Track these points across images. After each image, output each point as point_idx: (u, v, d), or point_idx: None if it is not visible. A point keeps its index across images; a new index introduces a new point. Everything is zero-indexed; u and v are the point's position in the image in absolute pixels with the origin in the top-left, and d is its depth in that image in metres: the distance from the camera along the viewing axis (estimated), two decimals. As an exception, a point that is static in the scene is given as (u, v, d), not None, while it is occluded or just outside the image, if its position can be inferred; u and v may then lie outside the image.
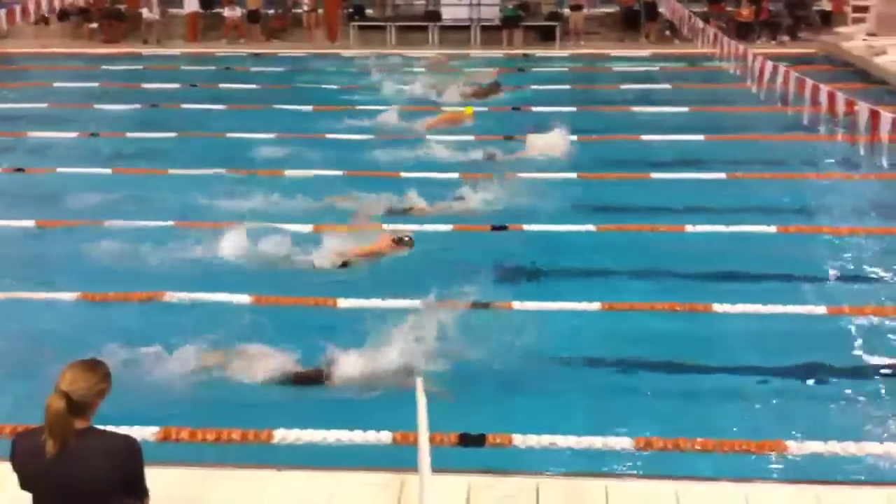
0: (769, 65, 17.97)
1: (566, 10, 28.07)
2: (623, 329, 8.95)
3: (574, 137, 15.76)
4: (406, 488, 6.16)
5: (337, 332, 8.44)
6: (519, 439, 6.99)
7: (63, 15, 28.43)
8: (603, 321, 9.16)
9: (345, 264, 10.60)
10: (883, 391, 8.00)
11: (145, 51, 27.15)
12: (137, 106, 19.66)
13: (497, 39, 27.36)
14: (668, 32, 27.82)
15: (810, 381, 8.16)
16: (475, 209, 12.49)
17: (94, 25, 28.88)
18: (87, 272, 10.52)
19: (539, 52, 26.08)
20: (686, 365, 8.40)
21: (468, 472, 6.38)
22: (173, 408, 7.58)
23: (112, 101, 20.06)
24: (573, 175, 14.02)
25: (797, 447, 6.90)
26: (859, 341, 8.87)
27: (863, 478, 6.62)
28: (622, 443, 6.95)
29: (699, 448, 6.92)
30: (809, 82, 15.75)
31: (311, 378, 8.03)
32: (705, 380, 8.19)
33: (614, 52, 26.10)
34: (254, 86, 21.97)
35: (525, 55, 25.50)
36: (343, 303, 9.58)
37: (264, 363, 8.17)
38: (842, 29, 25.59)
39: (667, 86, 21.28)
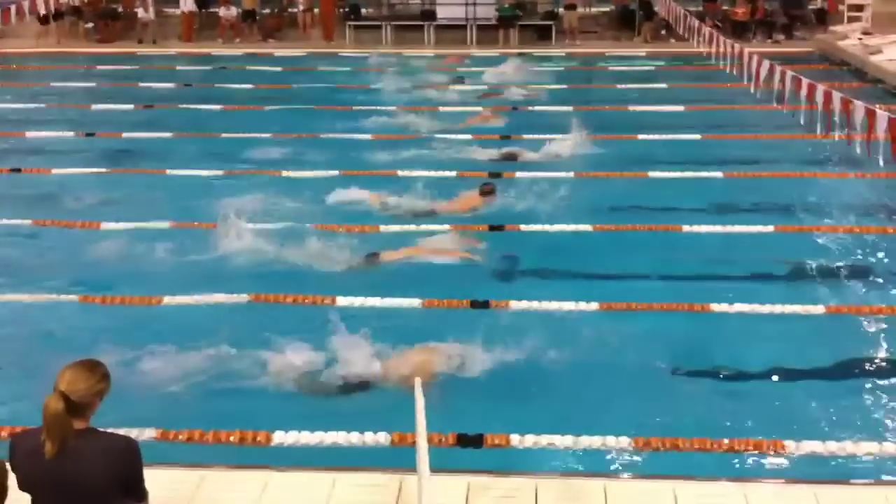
0: (765, 63, 17.97)
1: (562, 10, 28.08)
2: (621, 329, 8.93)
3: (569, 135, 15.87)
4: (404, 488, 6.16)
5: (336, 331, 8.43)
6: (517, 439, 6.99)
7: (58, 15, 28.37)
8: (601, 321, 9.15)
9: (372, 261, 10.59)
10: (880, 390, 8.01)
11: (141, 50, 27.13)
12: (133, 106, 19.64)
13: (493, 38, 27.36)
14: (663, 31, 27.84)
15: (808, 380, 8.16)
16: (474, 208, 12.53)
17: (90, 25, 28.85)
18: (84, 272, 10.52)
19: (535, 51, 26.07)
20: (683, 364, 8.40)
21: (467, 473, 6.38)
22: (172, 409, 7.58)
23: (108, 101, 20.04)
24: (570, 174, 14.02)
25: (795, 446, 6.90)
26: (857, 340, 8.88)
27: (861, 477, 6.62)
28: (620, 443, 6.95)
29: (697, 447, 6.92)
30: (805, 81, 15.74)
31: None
32: (703, 379, 8.20)
33: (610, 51, 26.12)
34: (249, 85, 21.96)
35: (521, 54, 25.49)
36: (342, 301, 9.57)
37: (264, 364, 8.16)
38: (837, 28, 25.61)
39: (663, 85, 21.29)
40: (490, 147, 15.70)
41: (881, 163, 13.43)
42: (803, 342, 8.78)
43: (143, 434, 6.79)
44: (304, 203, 12.69)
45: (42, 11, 27.53)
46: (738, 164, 14.51)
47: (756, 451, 6.91)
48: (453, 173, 14.06)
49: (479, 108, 18.72)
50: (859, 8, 26.77)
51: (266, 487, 6.28)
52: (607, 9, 29.28)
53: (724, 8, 28.07)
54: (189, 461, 6.64)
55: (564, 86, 21.17)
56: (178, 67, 24.63)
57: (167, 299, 9.70)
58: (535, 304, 9.49)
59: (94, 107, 19.68)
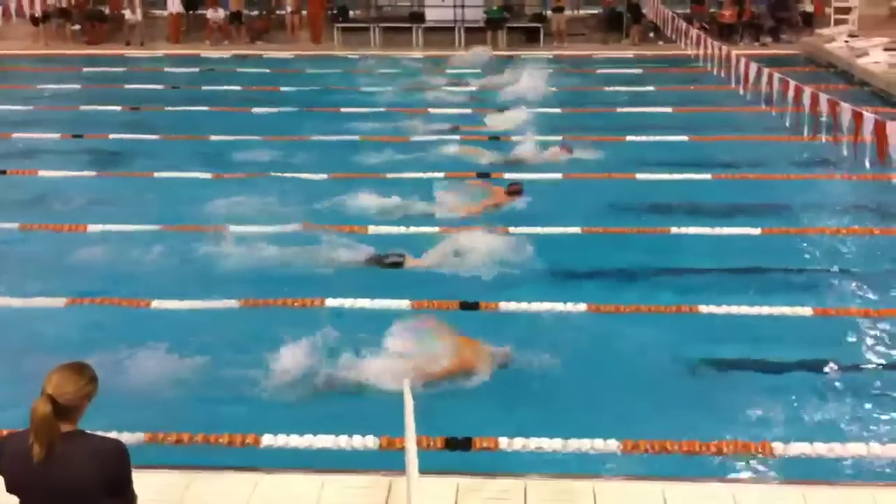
0: (753, 66, 18.04)
1: (550, 12, 28.13)
2: (609, 331, 8.95)
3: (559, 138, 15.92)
4: (393, 490, 6.16)
5: (327, 333, 8.43)
6: (505, 442, 6.98)
7: (45, 17, 28.30)
8: (589, 323, 9.16)
9: (397, 264, 10.59)
10: (869, 391, 8.04)
11: (128, 52, 27.07)
12: (120, 108, 19.59)
13: (481, 41, 27.38)
14: (651, 34, 27.92)
15: (796, 382, 8.18)
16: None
17: (77, 27, 28.76)
18: (72, 275, 10.48)
19: (523, 53, 26.10)
20: (672, 366, 8.42)
21: (456, 474, 6.38)
22: (161, 411, 7.55)
23: (95, 103, 19.98)
24: (558, 176, 14.04)
25: (783, 448, 6.92)
26: (845, 342, 8.91)
27: (849, 477, 6.65)
28: (609, 445, 6.95)
29: (686, 450, 6.92)
30: (792, 83, 15.81)
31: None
32: (693, 381, 8.22)
33: (598, 54, 26.17)
34: (237, 87, 21.93)
35: (510, 56, 25.53)
36: (331, 302, 9.57)
37: (253, 367, 8.14)
38: (824, 30, 25.71)
39: (651, 87, 21.35)
40: (479, 148, 15.68)
41: (868, 164, 13.50)
42: (791, 344, 8.80)
43: (132, 437, 6.77)
44: (293, 205, 12.67)
45: (37, 13, 27.49)
46: (725, 167, 14.56)
47: (744, 453, 6.92)
48: (440, 174, 14.07)
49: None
50: (846, 11, 26.89)
51: (255, 490, 6.27)
52: (595, 11, 29.32)
53: (712, 10, 28.16)
54: (178, 464, 6.62)
55: (553, 88, 21.19)
56: (166, 69, 24.59)
57: (156, 303, 9.67)
58: (524, 306, 9.50)
59: (82, 108, 19.63)
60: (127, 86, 22.05)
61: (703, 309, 9.37)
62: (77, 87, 22.07)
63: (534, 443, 6.96)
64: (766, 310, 9.34)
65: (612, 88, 21.27)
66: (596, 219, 12.19)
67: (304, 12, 28.84)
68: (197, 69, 24.48)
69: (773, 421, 7.46)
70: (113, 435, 4.72)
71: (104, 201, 13.26)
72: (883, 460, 6.88)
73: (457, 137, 16.59)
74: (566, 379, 8.09)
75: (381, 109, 19.01)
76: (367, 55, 25.94)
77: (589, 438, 6.97)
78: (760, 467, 6.84)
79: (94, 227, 11.93)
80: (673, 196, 13.18)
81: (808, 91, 15.11)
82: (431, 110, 18.95)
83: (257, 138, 16.56)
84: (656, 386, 8.09)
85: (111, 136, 17.11)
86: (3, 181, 14.47)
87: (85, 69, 24.25)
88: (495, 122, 17.85)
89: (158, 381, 7.96)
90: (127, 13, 28.42)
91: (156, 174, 14.50)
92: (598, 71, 23.77)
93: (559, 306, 9.45)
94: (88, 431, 4.42)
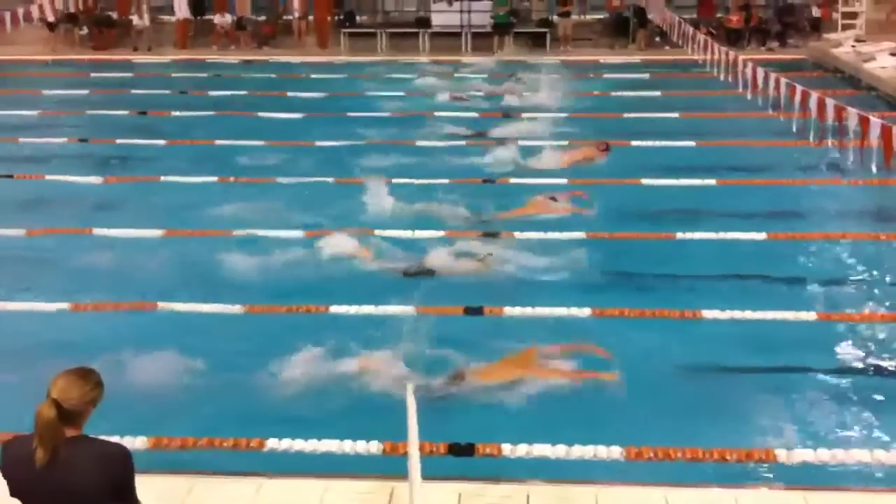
0: (760, 71, 18.04)
1: (556, 17, 28.14)
2: (612, 336, 8.94)
3: (565, 142, 15.93)
4: (396, 496, 6.17)
5: (328, 339, 8.44)
6: (508, 448, 6.96)
7: (56, 23, 28.40)
8: (593, 327, 9.16)
9: (429, 272, 10.60)
10: (871, 397, 8.02)
11: (135, 58, 27.16)
12: (127, 112, 19.64)
13: (488, 46, 27.41)
14: (657, 38, 27.90)
15: (800, 388, 8.17)
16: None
17: (84, 32, 28.86)
18: (78, 280, 10.51)
19: (530, 58, 26.11)
20: (676, 371, 8.42)
21: (459, 480, 6.38)
22: (165, 416, 7.57)
23: (102, 108, 20.05)
24: (563, 181, 14.04)
25: (786, 455, 6.89)
26: (849, 347, 8.90)
27: (851, 483, 6.64)
28: (611, 452, 6.93)
29: (689, 457, 6.91)
30: (799, 88, 15.80)
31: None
32: (696, 387, 8.20)
33: (605, 59, 26.17)
34: (244, 92, 21.99)
35: (517, 61, 25.56)
36: (335, 308, 9.58)
37: (257, 372, 8.16)
38: (831, 35, 25.68)
39: (657, 92, 21.34)
40: (483, 152, 15.68)
41: (874, 170, 13.48)
42: (795, 349, 8.79)
43: (136, 441, 6.78)
44: (297, 210, 12.69)
45: (50, 18, 27.61)
46: (731, 171, 14.54)
47: (747, 461, 6.90)
48: (446, 180, 14.08)
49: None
50: (853, 15, 26.86)
51: (257, 494, 6.28)
52: (601, 16, 29.32)
53: (719, 15, 28.15)
54: (182, 468, 6.64)
55: (558, 93, 21.20)
56: (173, 75, 24.65)
57: (161, 305, 9.69)
58: (528, 311, 9.51)
59: (88, 113, 19.68)
60: (134, 91, 22.12)
61: (707, 314, 9.36)
62: (84, 91, 22.15)
63: (537, 449, 6.95)
64: (770, 314, 9.34)
65: (617, 93, 21.26)
66: (600, 224, 12.19)
67: (310, 18, 28.89)
68: (204, 74, 24.53)
69: (776, 427, 7.45)
70: (116, 439, 4.72)
71: (110, 206, 13.30)
72: (885, 466, 6.85)
73: (463, 143, 16.60)
74: (569, 384, 8.08)
75: (386, 114, 19.07)
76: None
77: (592, 445, 6.95)
78: (763, 473, 6.82)
79: (99, 231, 11.97)
80: (678, 201, 13.16)
81: (814, 96, 15.10)
82: (438, 113, 18.98)
83: (263, 143, 16.59)
84: (659, 391, 8.08)
85: (118, 140, 17.17)
86: (10, 185, 14.52)
87: (92, 74, 24.32)
88: (503, 127, 17.86)
89: (162, 385, 7.97)
90: (134, 18, 28.51)
91: (162, 178, 14.54)
92: (605, 76, 23.77)
93: (563, 311, 9.45)
94: (92, 436, 4.43)
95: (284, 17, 29.46)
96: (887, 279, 10.57)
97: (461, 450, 6.96)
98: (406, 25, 28.50)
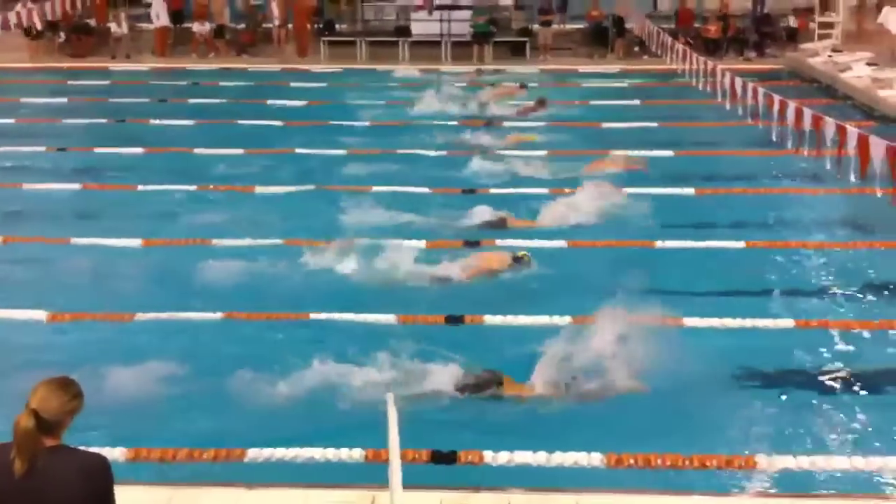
0: (738, 80, 18.15)
1: (536, 26, 28.21)
2: (593, 344, 8.93)
3: (544, 152, 15.95)
4: (377, 505, 6.15)
5: (316, 346, 8.42)
6: (490, 456, 6.97)
7: (29, 31, 28.20)
8: (574, 336, 9.15)
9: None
10: (851, 405, 8.06)
11: (114, 65, 27.02)
12: (105, 120, 19.54)
13: (468, 55, 27.44)
14: (636, 48, 28.03)
15: (779, 395, 8.21)
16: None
17: (62, 40, 28.69)
18: (55, 290, 10.44)
19: (509, 67, 26.17)
20: (655, 379, 8.41)
21: (440, 489, 6.37)
22: (144, 426, 7.52)
23: (80, 116, 19.94)
24: (545, 191, 14.05)
25: (767, 462, 6.92)
26: (827, 355, 8.94)
27: (842, 490, 6.67)
28: (592, 459, 6.94)
29: (669, 464, 6.92)
30: (777, 98, 15.91)
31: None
32: (676, 395, 8.21)
33: (583, 68, 26.25)
34: (223, 100, 21.91)
35: (496, 70, 25.60)
36: (315, 316, 9.55)
37: (237, 381, 8.12)
38: (807, 45, 25.87)
39: (636, 101, 21.41)
40: (463, 164, 15.69)
41: (851, 178, 13.59)
42: (774, 357, 8.83)
43: (115, 452, 6.73)
44: (277, 218, 12.66)
45: (38, 27, 27.42)
46: (709, 181, 14.61)
47: (727, 468, 6.92)
48: (427, 189, 14.09)
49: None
50: (829, 26, 27.06)
51: (238, 504, 6.25)
52: (581, 26, 29.42)
53: (697, 25, 28.29)
54: (162, 479, 6.59)
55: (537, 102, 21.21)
56: (151, 82, 24.55)
57: (139, 316, 9.64)
58: (509, 319, 9.51)
59: (66, 121, 19.57)
60: (112, 99, 22.01)
61: (688, 322, 9.38)
62: (62, 99, 22.02)
63: (518, 457, 6.95)
64: (749, 322, 9.38)
65: (596, 102, 21.31)
66: (581, 232, 12.21)
67: (290, 26, 28.85)
68: (183, 82, 24.44)
69: (756, 434, 7.47)
70: (96, 450, 4.68)
71: (88, 214, 13.22)
72: (864, 472, 6.89)
73: (444, 153, 16.61)
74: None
75: (366, 123, 19.06)
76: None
77: (573, 452, 6.96)
78: (743, 480, 6.84)
79: (77, 240, 11.89)
80: (657, 210, 13.19)
81: (792, 105, 15.21)
82: (416, 123, 19.00)
83: (241, 151, 16.54)
84: (641, 399, 8.08)
85: (96, 149, 17.07)
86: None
87: (70, 82, 24.19)
88: (480, 137, 17.89)
89: (140, 395, 7.92)
90: (113, 26, 28.36)
91: (139, 187, 14.47)
92: (583, 85, 23.84)
93: (544, 319, 9.46)
94: (72, 446, 4.39)
95: (264, 26, 29.40)
96: (865, 287, 10.63)
97: (443, 457, 6.95)
98: (386, 34, 28.49)
